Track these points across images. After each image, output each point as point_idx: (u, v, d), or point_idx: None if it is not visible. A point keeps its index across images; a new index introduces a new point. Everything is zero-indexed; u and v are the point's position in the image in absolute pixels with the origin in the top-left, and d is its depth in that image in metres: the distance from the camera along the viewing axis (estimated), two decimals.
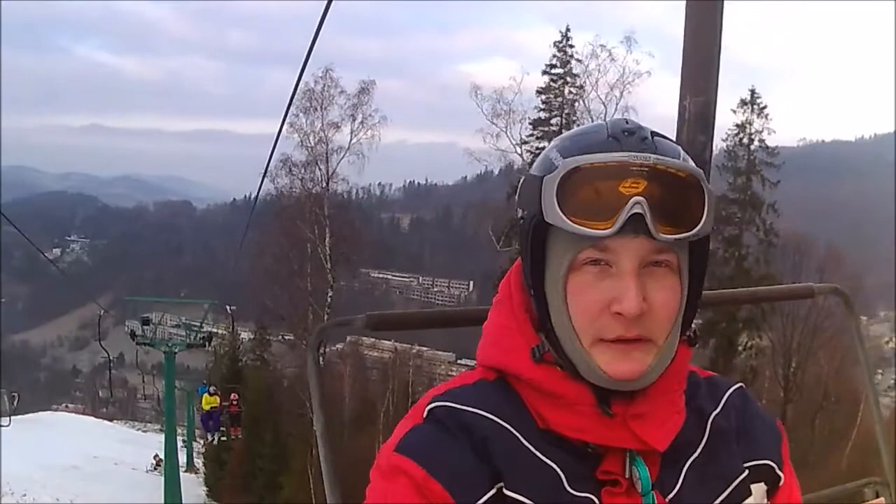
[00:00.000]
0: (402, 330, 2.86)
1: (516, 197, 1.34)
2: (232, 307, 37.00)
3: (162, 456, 38.50)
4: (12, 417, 35.33)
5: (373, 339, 52.92)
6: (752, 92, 35.10)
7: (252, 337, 45.98)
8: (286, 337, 38.61)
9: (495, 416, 1.29)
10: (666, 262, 1.23)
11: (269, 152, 13.41)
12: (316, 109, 34.97)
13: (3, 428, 32.72)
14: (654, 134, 1.26)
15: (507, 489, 1.23)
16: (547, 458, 1.26)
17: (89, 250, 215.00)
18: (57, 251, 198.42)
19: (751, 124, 34.64)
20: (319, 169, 35.18)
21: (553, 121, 33.86)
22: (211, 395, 32.28)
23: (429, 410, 1.32)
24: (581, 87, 33.75)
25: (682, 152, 1.26)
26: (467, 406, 1.30)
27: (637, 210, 1.16)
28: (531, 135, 33.92)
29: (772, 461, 1.42)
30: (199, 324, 36.53)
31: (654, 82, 34.25)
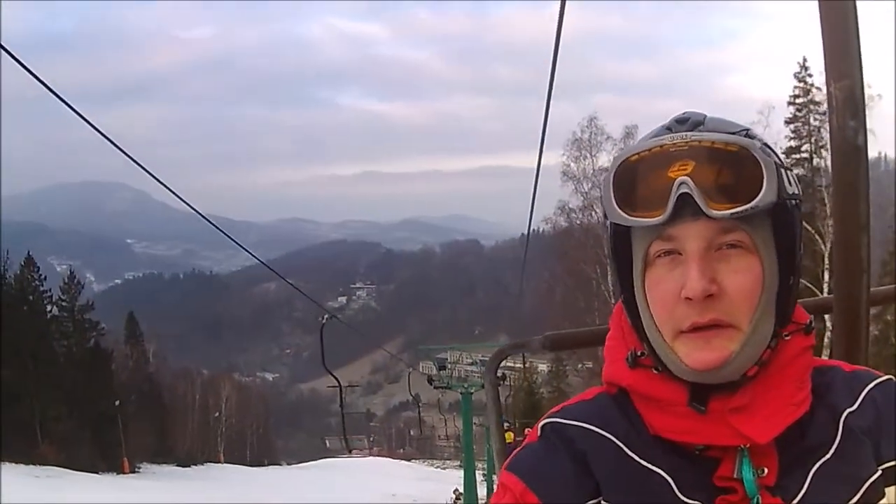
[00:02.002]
0: (578, 348, 2.59)
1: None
2: None
3: (461, 490, 39.53)
4: (311, 463, 37.45)
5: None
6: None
7: (549, 369, 47.00)
8: (586, 364, 39.60)
9: (602, 428, 1.30)
10: (737, 242, 1.20)
11: (532, 191, 13.76)
12: (586, 157, 37.67)
13: (293, 471, 34.36)
14: (713, 119, 1.26)
15: (606, 500, 1.25)
16: (654, 465, 1.26)
17: (377, 296, 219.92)
18: (342, 299, 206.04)
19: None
20: (595, 212, 36.79)
21: (804, 147, 34.62)
22: (505, 430, 32.39)
23: (541, 427, 1.35)
24: (825, 112, 33.15)
25: (742, 129, 1.24)
26: (575, 421, 1.32)
27: (684, 190, 1.15)
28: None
29: None
30: None
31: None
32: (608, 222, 1.27)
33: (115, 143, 7.85)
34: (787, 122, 35.15)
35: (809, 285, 29.76)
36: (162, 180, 9.33)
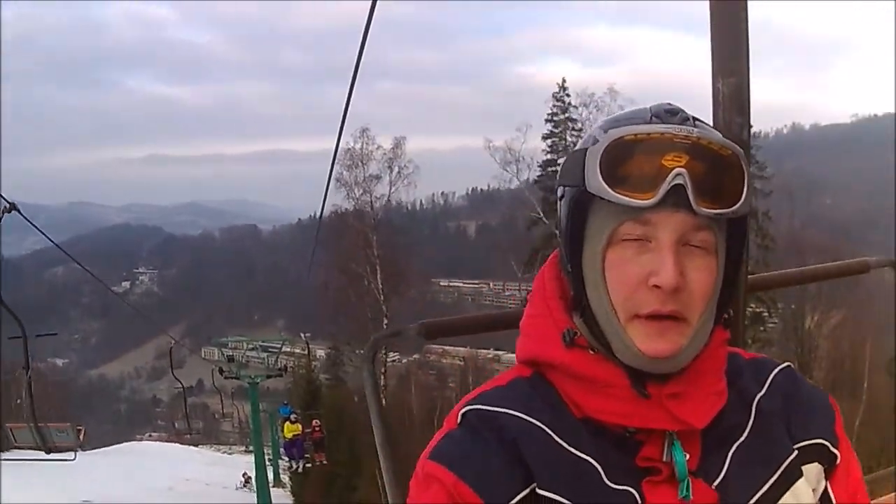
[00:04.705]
0: (456, 336, 2.87)
1: (557, 176, 1.33)
2: (307, 334, 40.47)
3: (251, 474, 40.04)
4: (104, 449, 38.09)
5: (443, 347, 52.56)
6: None
7: (326, 356, 48.27)
8: (358, 352, 41.33)
9: (527, 414, 1.28)
10: (703, 241, 1.22)
11: (326, 184, 13.96)
12: (357, 166, 40.74)
13: (90, 457, 34.83)
14: (694, 118, 1.27)
15: (540, 488, 1.22)
16: (582, 452, 1.25)
17: (159, 281, 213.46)
18: (126, 284, 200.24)
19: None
20: (367, 215, 40.46)
21: (559, 161, 37.17)
22: (293, 422, 33.04)
23: (461, 416, 1.32)
24: (580, 130, 38.04)
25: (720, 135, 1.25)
26: (498, 407, 1.30)
27: (679, 181, 1.16)
28: (542, 175, 38.83)
29: (825, 440, 1.38)
30: (277, 346, 40.01)
31: None
32: (570, 189, 1.28)
33: None
34: (545, 138, 39.42)
35: None
36: None
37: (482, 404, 1.33)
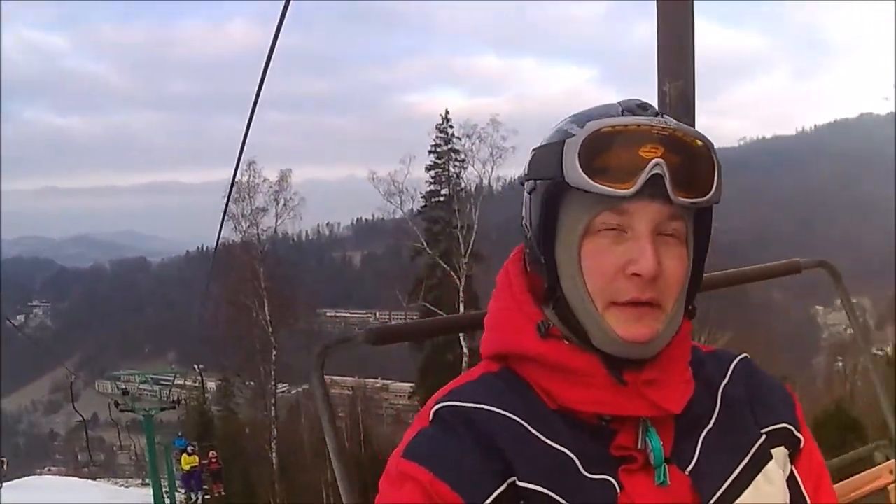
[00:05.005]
0: (404, 341, 2.69)
1: (525, 171, 1.33)
2: (200, 366, 40.98)
3: None
4: (6, 484, 37.79)
5: (331, 378, 53.71)
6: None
7: (217, 387, 48.38)
8: (249, 383, 42.35)
9: (501, 408, 1.27)
10: (676, 230, 1.24)
11: (221, 217, 14.50)
12: (244, 199, 41.23)
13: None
14: (661, 113, 1.28)
15: (520, 481, 1.21)
16: (558, 443, 1.25)
17: (52, 314, 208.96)
18: (21, 317, 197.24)
19: None
20: (254, 247, 41.29)
21: (443, 192, 39.70)
22: (189, 454, 33.01)
23: (434, 412, 1.30)
24: (463, 160, 39.27)
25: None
26: (472, 402, 1.29)
27: (657, 171, 1.18)
28: (425, 206, 39.69)
29: (789, 424, 1.41)
30: (169, 379, 40.28)
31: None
32: (544, 181, 1.28)
33: None
34: (428, 169, 39.96)
35: (441, 314, 32.98)
36: None
37: (454, 400, 1.31)
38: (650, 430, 1.28)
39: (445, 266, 36.90)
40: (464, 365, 33.66)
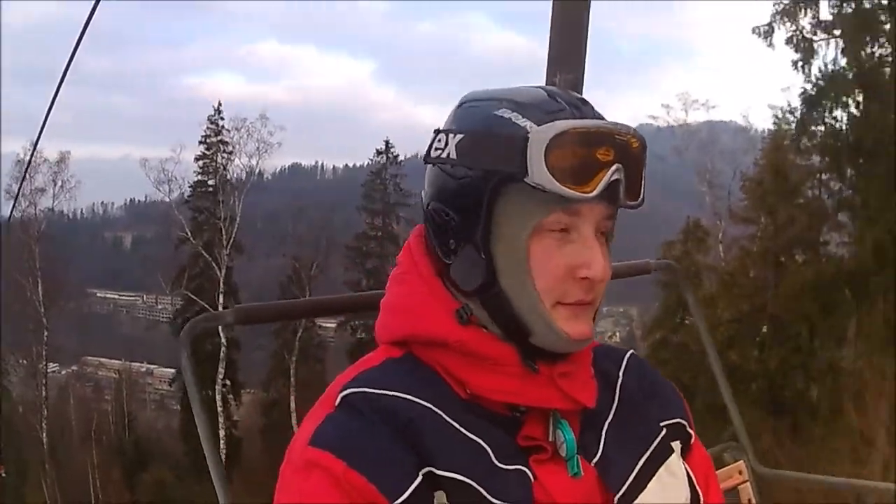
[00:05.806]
0: (275, 322, 2.21)
1: (447, 153, 1.26)
2: None
3: None
4: None
5: (99, 360, 53.91)
6: (387, 143, 42.22)
7: None
8: (22, 361, 41.23)
9: (414, 396, 1.23)
10: (606, 230, 1.25)
11: (15, 197, 14.06)
12: (25, 178, 39.59)
13: None
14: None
15: (439, 469, 1.17)
16: (472, 433, 1.21)
17: None
18: None
19: (386, 170, 41.77)
20: (32, 226, 40.40)
21: (210, 182, 39.92)
22: None
23: (342, 398, 1.23)
24: (230, 152, 39.93)
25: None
26: (383, 389, 1.23)
27: (616, 177, 1.17)
28: (191, 195, 40.06)
29: (682, 419, 1.43)
30: None
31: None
32: (486, 175, 1.21)
33: None
34: (197, 159, 39.78)
35: (206, 306, 33.60)
36: None
37: (363, 386, 1.24)
38: (561, 421, 1.27)
39: (207, 256, 37.55)
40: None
